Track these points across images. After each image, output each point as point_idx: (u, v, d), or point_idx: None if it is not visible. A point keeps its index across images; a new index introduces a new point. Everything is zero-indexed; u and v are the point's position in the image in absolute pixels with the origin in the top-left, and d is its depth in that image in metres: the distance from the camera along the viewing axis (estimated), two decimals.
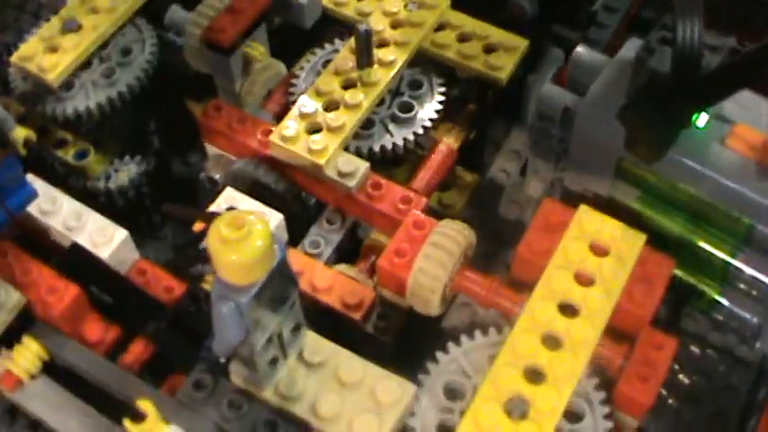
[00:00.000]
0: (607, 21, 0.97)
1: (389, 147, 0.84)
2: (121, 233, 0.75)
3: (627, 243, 0.72)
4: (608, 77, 0.77)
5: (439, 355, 0.70)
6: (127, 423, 0.64)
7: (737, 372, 0.84)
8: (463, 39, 0.90)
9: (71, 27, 0.88)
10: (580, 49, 0.83)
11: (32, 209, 0.76)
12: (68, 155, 0.89)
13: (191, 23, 0.89)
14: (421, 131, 0.85)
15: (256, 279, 0.58)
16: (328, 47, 0.93)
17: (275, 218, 0.77)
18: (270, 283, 0.60)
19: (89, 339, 0.74)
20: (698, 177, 0.73)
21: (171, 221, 0.96)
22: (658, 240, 0.77)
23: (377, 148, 0.84)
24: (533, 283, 0.71)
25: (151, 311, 0.75)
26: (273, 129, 0.83)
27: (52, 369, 0.72)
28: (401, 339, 0.79)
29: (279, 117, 0.88)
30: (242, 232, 0.56)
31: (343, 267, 0.81)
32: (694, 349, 0.86)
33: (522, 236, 0.74)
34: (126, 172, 0.90)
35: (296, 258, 0.79)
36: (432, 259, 0.72)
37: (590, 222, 0.73)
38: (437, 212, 0.93)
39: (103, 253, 0.74)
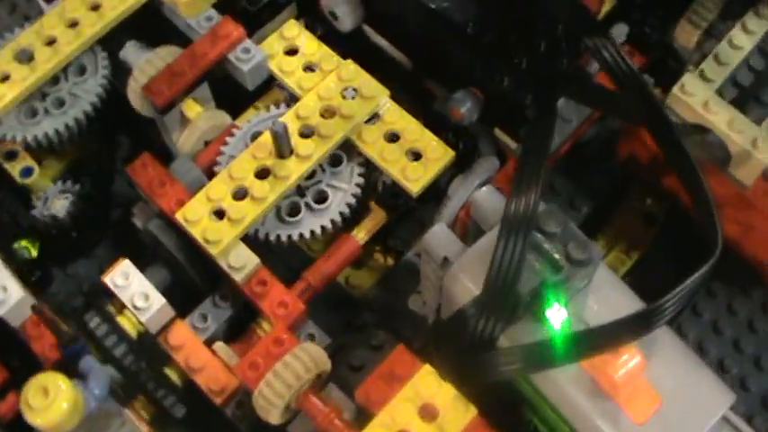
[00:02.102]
0: None
1: (284, 239, 0.88)
2: (18, 293, 0.83)
3: (456, 413, 0.76)
4: (487, 242, 0.77)
5: None
6: None
7: None
8: (391, 137, 0.89)
9: (24, 58, 0.91)
10: (484, 190, 0.82)
11: None
12: (15, 171, 0.96)
13: (137, 71, 0.92)
14: (318, 231, 0.87)
15: (68, 429, 0.67)
16: (274, 109, 0.94)
17: (158, 302, 0.84)
18: (85, 425, 0.68)
19: None
20: (540, 375, 0.75)
21: (106, 241, 1.03)
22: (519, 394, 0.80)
23: (272, 237, 0.87)
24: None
25: (35, 365, 0.84)
26: (186, 200, 0.87)
27: None
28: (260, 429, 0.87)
29: (207, 171, 0.92)
30: (47, 400, 0.64)
31: (220, 348, 0.87)
32: None
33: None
34: (63, 200, 0.95)
35: (179, 332, 0.86)
36: (278, 380, 0.78)
37: (427, 386, 0.77)
38: (343, 291, 0.97)
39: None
